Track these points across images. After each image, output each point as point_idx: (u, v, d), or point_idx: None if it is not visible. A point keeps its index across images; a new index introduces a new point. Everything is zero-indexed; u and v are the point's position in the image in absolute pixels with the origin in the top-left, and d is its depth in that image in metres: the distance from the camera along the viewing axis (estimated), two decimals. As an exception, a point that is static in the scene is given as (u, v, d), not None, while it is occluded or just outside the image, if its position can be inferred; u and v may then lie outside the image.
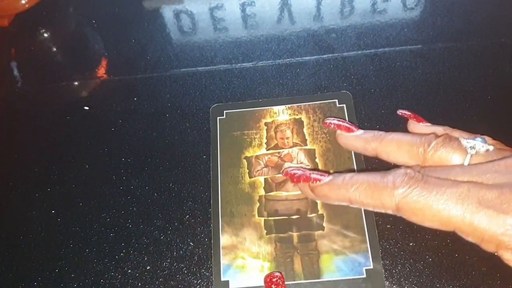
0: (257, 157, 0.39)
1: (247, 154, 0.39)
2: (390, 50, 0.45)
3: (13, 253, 0.37)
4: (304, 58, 0.45)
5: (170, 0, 0.52)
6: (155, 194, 0.38)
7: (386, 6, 0.49)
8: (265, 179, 0.38)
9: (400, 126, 0.40)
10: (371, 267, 0.33)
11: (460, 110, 0.41)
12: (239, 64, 0.46)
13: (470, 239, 0.26)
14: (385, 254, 0.34)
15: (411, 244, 0.35)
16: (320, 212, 0.36)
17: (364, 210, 0.35)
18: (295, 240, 0.35)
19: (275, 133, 0.40)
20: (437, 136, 0.30)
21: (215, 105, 0.43)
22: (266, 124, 0.41)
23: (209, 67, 0.46)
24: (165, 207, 0.38)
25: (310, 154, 0.39)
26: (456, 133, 0.32)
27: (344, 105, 0.41)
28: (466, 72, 0.43)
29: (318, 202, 0.36)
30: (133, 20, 0.51)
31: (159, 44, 0.48)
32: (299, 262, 0.34)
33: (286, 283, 0.33)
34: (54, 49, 0.50)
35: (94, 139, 0.42)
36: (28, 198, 0.39)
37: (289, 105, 0.42)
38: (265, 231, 0.35)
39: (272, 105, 0.42)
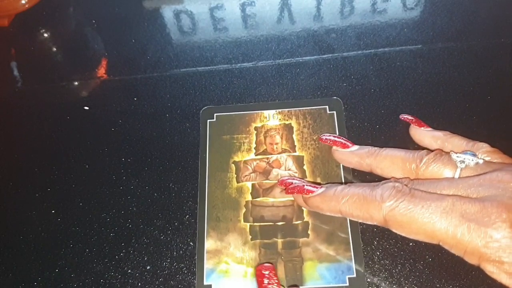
0: (245, 162, 0.39)
1: (236, 158, 0.39)
2: (390, 50, 0.45)
3: (13, 253, 0.37)
4: (304, 58, 0.45)
5: (170, 0, 0.52)
6: (155, 194, 0.38)
7: (386, 6, 0.49)
8: (252, 184, 0.38)
9: (392, 130, 0.40)
10: (354, 275, 0.33)
11: (460, 110, 0.41)
12: (239, 64, 0.46)
13: (453, 251, 0.27)
14: (385, 254, 0.34)
15: (411, 244, 0.35)
16: (306, 219, 0.36)
17: (349, 219, 0.35)
18: (280, 246, 0.35)
19: (265, 138, 0.40)
20: (428, 152, 0.31)
21: (206, 107, 0.42)
22: (256, 128, 0.41)
23: (209, 67, 0.46)
24: (165, 207, 0.38)
25: (298, 160, 0.38)
26: (455, 138, 0.33)
27: (335, 112, 0.41)
28: (466, 72, 0.43)
29: (304, 209, 0.36)
30: (133, 20, 0.51)
31: (159, 44, 0.48)
32: (283, 268, 0.34)
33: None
34: (54, 49, 0.50)
35: (94, 139, 0.42)
36: (28, 198, 0.39)
37: (280, 110, 0.41)
38: (250, 237, 0.35)
39: (263, 109, 0.42)
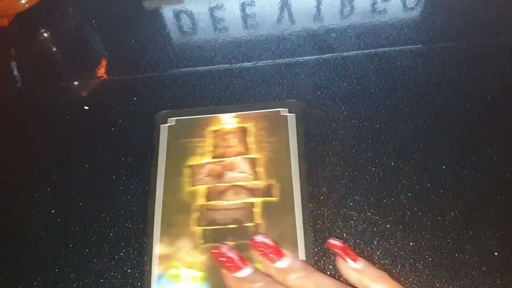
0: (200, 166, 0.39)
1: (191, 162, 0.39)
2: (390, 50, 0.45)
3: (13, 253, 0.37)
4: (304, 58, 0.45)
5: (170, 0, 0.52)
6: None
7: (386, 6, 0.49)
8: (206, 188, 0.37)
9: (392, 130, 0.40)
10: None
11: (460, 110, 0.41)
12: (239, 64, 0.46)
13: None
14: (385, 254, 0.35)
15: (411, 244, 0.35)
16: (257, 221, 0.36)
17: (300, 221, 0.35)
18: None
19: (220, 141, 0.40)
20: None
21: (162, 112, 0.42)
22: (212, 132, 0.40)
23: (209, 67, 0.46)
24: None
25: (253, 163, 0.38)
26: (386, 284, 0.30)
27: (294, 115, 0.40)
28: (466, 72, 0.43)
29: (256, 211, 0.36)
30: (133, 20, 0.51)
31: (159, 44, 0.48)
32: None
33: None
34: (54, 49, 0.50)
35: (94, 139, 0.42)
36: (28, 198, 0.39)
37: (237, 113, 0.41)
38: (202, 241, 0.35)
39: (220, 113, 0.41)
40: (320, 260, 0.35)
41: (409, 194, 0.37)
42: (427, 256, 0.34)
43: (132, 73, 0.46)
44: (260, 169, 0.38)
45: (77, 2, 0.53)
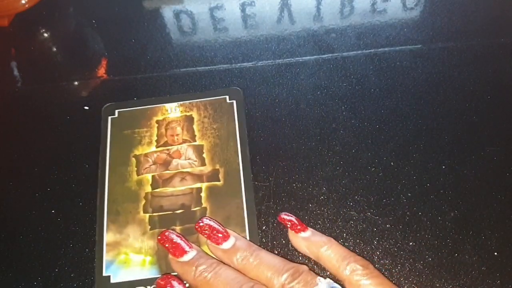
0: (146, 155, 0.40)
1: (136, 152, 0.40)
2: (390, 50, 0.45)
3: (13, 253, 0.37)
4: (304, 58, 0.45)
5: (170, 0, 0.52)
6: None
7: (386, 6, 0.49)
8: (152, 176, 0.39)
9: (392, 129, 0.40)
10: None
11: (460, 110, 0.41)
12: (239, 64, 0.46)
13: None
14: (385, 254, 0.35)
15: (411, 244, 0.35)
16: (204, 205, 0.37)
17: (246, 203, 0.37)
18: None
19: (166, 130, 0.41)
20: (298, 268, 0.30)
21: (107, 104, 0.43)
22: (157, 122, 0.42)
23: (209, 67, 0.46)
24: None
25: (198, 149, 0.40)
26: (333, 250, 0.31)
27: (234, 101, 0.42)
28: (466, 72, 0.43)
29: (203, 195, 0.37)
30: (133, 20, 0.51)
31: (159, 44, 0.48)
32: None
33: (166, 274, 0.33)
34: (54, 49, 0.50)
35: (94, 139, 0.42)
36: (28, 198, 0.39)
37: (181, 102, 0.43)
38: (149, 227, 0.36)
39: (165, 103, 0.43)
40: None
41: (409, 194, 0.37)
42: (427, 256, 0.34)
43: (132, 73, 0.46)
44: (206, 155, 0.39)
45: (77, 2, 0.53)
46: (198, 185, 0.38)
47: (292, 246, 0.34)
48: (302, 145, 0.40)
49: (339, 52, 0.46)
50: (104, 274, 0.35)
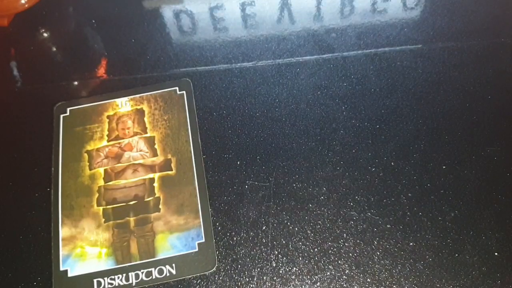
0: (97, 149, 0.41)
1: (88, 147, 0.41)
2: (390, 50, 0.45)
3: (13, 253, 0.37)
4: (304, 58, 0.45)
5: (170, 0, 0.52)
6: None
7: (386, 6, 0.49)
8: (105, 169, 0.39)
9: (392, 129, 0.40)
10: (203, 240, 0.35)
11: (460, 110, 0.41)
12: (239, 64, 0.46)
13: None
14: (385, 254, 0.35)
15: (411, 244, 0.35)
16: (157, 195, 0.38)
17: (199, 189, 0.37)
18: (132, 224, 0.37)
19: (117, 124, 0.42)
20: None
21: (59, 103, 0.43)
22: (108, 117, 0.42)
23: (209, 67, 0.46)
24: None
25: (150, 141, 0.40)
26: None
27: (184, 92, 0.43)
28: (466, 72, 0.43)
29: (155, 185, 0.38)
30: (133, 20, 0.51)
31: (159, 44, 0.48)
32: (135, 244, 0.36)
33: (123, 265, 0.34)
34: (54, 49, 0.50)
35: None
36: (28, 198, 0.39)
37: (132, 97, 0.43)
38: (104, 219, 0.37)
39: (115, 98, 0.43)
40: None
41: (409, 194, 0.37)
42: (427, 256, 0.34)
43: (132, 73, 0.46)
44: (157, 146, 0.40)
45: (77, 2, 0.53)
46: (150, 175, 0.39)
47: (292, 246, 0.34)
48: (302, 145, 0.40)
49: (339, 52, 0.46)
50: (61, 268, 0.35)
